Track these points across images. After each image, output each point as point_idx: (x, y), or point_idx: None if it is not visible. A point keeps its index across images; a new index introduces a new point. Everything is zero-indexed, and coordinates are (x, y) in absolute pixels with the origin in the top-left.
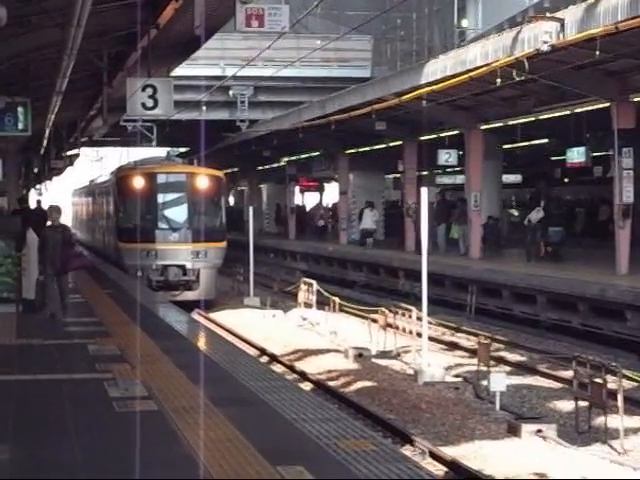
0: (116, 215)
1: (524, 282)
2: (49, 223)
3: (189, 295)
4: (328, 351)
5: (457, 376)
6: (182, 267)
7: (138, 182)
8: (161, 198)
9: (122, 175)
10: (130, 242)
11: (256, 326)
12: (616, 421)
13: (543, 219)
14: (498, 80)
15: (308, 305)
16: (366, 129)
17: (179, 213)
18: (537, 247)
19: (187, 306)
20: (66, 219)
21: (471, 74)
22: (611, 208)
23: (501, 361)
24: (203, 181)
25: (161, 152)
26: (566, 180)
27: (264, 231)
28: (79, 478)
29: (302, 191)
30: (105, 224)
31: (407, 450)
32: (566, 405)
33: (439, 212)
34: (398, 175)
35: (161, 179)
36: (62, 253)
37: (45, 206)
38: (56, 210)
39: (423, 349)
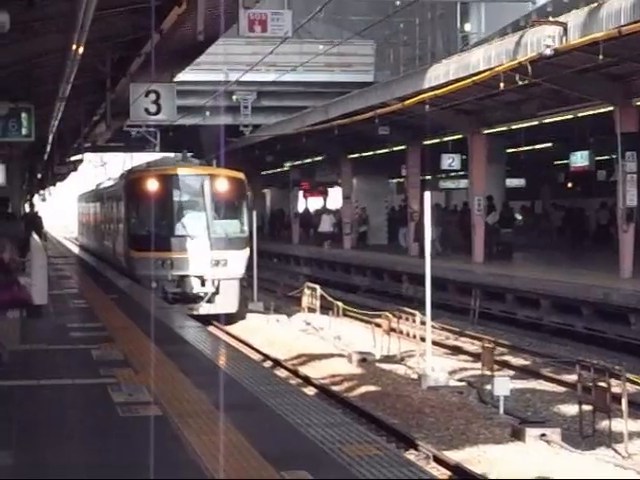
0: (127, 221)
1: (528, 286)
2: None
3: (208, 309)
4: (332, 356)
5: (461, 380)
6: (200, 278)
7: (151, 185)
8: (177, 202)
9: (134, 177)
10: (143, 251)
11: (260, 331)
12: (620, 425)
13: (497, 222)
14: (501, 84)
15: (312, 310)
16: (369, 134)
17: (197, 219)
18: (490, 247)
19: (205, 320)
20: (72, 226)
21: (474, 78)
22: (611, 212)
23: (505, 365)
24: (223, 183)
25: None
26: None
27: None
28: None
29: (306, 196)
30: (115, 231)
31: (411, 454)
32: (570, 409)
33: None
34: (401, 179)
35: (177, 181)
36: None
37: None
38: None
39: (427, 353)
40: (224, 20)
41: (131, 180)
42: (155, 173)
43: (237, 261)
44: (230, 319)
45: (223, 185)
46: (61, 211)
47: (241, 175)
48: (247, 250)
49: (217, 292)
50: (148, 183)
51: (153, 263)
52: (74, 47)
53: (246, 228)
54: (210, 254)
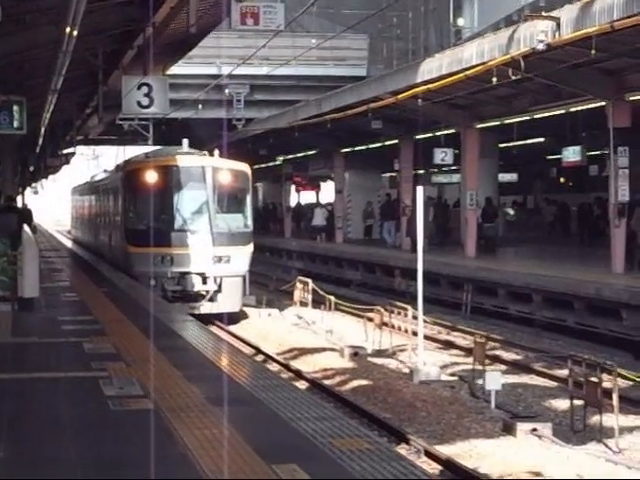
0: (125, 215)
1: (520, 281)
2: None
3: (210, 308)
4: (324, 350)
5: (453, 375)
6: (202, 275)
7: (150, 176)
8: (177, 195)
9: (132, 168)
10: (141, 246)
11: (252, 325)
12: (611, 420)
13: (480, 216)
14: (494, 79)
15: (304, 304)
16: (362, 128)
17: (198, 212)
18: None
19: (206, 319)
20: (64, 219)
21: (467, 73)
22: (602, 207)
23: (496, 360)
24: (226, 175)
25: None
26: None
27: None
28: (73, 477)
29: (298, 190)
30: (111, 225)
31: (402, 449)
32: (561, 404)
33: (386, 211)
34: (394, 174)
35: (177, 173)
36: None
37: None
38: None
39: (419, 348)
40: (216, 13)
41: (129, 171)
42: (154, 164)
43: (240, 257)
44: (233, 319)
45: (226, 177)
46: (53, 204)
47: (245, 167)
48: (251, 246)
49: (219, 290)
50: (147, 174)
51: (152, 259)
52: (66, 39)
53: (250, 223)
54: (212, 250)
